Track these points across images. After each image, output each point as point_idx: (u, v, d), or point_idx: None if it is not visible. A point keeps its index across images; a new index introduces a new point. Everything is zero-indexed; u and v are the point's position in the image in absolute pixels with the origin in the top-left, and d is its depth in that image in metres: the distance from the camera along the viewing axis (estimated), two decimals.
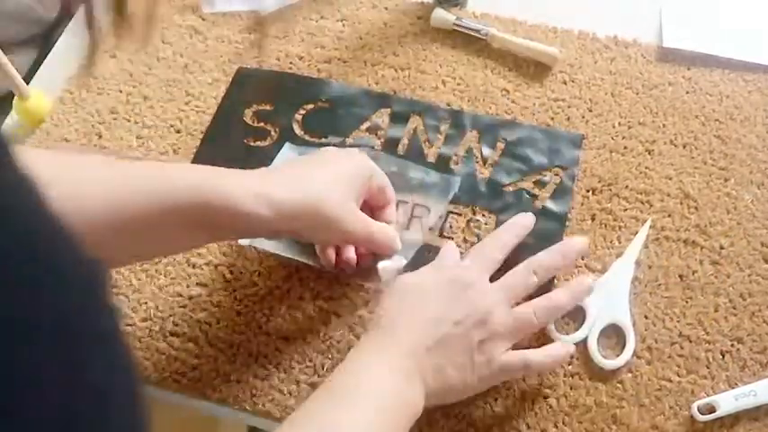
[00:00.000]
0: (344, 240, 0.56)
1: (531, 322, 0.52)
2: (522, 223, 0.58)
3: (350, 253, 0.58)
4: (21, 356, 0.21)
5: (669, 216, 0.61)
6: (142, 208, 0.47)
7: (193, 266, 0.61)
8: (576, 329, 0.56)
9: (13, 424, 0.21)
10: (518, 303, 0.53)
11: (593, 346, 0.55)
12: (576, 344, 0.55)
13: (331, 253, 0.58)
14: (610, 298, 0.56)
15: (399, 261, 0.57)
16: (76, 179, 0.46)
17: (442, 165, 0.65)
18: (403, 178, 0.63)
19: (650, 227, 0.60)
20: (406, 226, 0.61)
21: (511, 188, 0.63)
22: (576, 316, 0.57)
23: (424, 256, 0.59)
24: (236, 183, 0.50)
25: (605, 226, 0.61)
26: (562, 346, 0.53)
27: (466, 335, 0.49)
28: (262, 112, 0.70)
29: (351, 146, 0.66)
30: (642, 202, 0.62)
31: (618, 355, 0.54)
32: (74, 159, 0.50)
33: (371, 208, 0.58)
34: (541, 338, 0.56)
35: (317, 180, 0.52)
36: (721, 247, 0.60)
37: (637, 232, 0.60)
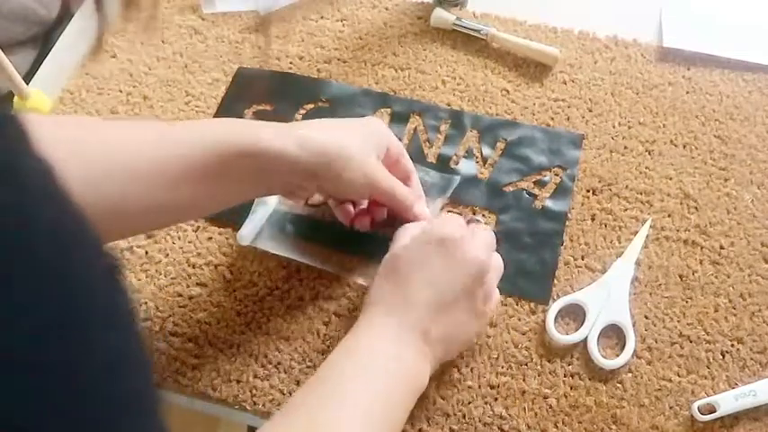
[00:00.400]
0: (368, 188, 0.55)
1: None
2: None
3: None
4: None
5: (669, 216, 0.61)
6: (179, 161, 0.48)
7: (193, 266, 0.61)
8: (576, 329, 0.56)
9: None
10: None
11: (593, 346, 0.55)
12: (576, 344, 0.55)
13: (348, 206, 0.58)
14: (610, 298, 0.56)
15: None
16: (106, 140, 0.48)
17: (442, 165, 0.65)
18: None
19: (650, 227, 0.60)
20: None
21: (511, 188, 0.63)
22: (576, 316, 0.57)
23: None
24: (264, 125, 0.52)
25: (605, 226, 0.61)
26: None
27: (470, 292, 0.50)
28: (262, 112, 0.70)
29: None
30: (642, 202, 0.62)
31: (618, 355, 0.54)
32: (94, 124, 0.52)
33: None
34: (541, 336, 0.56)
35: (340, 130, 0.54)
36: (721, 247, 0.60)
37: (637, 232, 0.60)
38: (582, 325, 0.56)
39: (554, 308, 0.56)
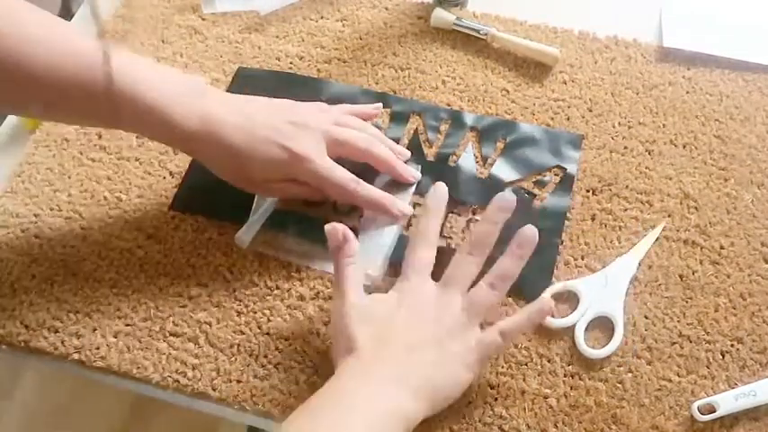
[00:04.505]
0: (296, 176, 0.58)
1: (490, 298, 0.53)
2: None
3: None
4: None
5: (669, 216, 0.61)
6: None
7: (193, 266, 0.61)
8: (568, 314, 0.56)
9: None
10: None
11: (579, 333, 0.55)
12: (565, 329, 0.55)
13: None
14: (606, 290, 0.57)
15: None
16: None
17: (442, 165, 0.65)
18: None
19: (650, 227, 0.60)
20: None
21: (510, 188, 0.63)
22: (569, 300, 0.57)
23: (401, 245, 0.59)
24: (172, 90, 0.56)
25: (605, 226, 0.61)
26: (538, 301, 0.54)
27: (445, 349, 0.51)
28: None
29: None
30: (642, 202, 0.62)
31: (604, 346, 0.55)
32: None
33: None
34: (541, 336, 0.56)
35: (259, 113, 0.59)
36: (721, 247, 0.60)
37: (637, 232, 0.60)
38: (573, 311, 0.56)
39: (548, 292, 0.57)
